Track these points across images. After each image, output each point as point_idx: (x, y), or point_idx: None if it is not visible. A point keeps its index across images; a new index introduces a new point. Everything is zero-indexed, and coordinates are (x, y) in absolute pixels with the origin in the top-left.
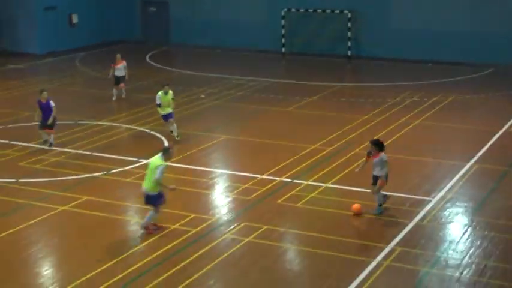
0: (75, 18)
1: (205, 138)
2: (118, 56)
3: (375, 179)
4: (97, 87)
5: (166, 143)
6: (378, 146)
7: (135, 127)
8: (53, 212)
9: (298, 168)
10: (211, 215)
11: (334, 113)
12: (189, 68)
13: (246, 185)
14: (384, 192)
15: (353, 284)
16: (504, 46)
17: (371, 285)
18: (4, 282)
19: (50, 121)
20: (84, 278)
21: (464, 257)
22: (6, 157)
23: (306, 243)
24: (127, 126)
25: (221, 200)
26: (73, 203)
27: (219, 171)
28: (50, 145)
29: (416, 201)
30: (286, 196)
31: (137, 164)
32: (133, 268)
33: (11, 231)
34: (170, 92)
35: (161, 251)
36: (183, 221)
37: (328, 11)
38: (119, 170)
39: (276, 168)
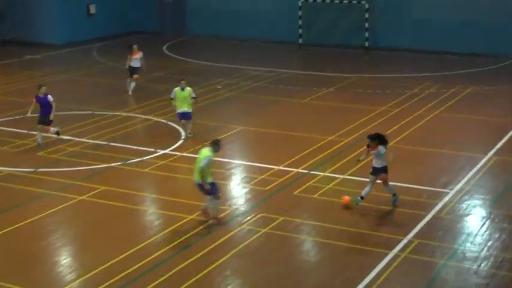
0: (92, 9)
1: (222, 129)
2: (135, 46)
3: (375, 169)
4: (114, 78)
5: (183, 134)
6: (374, 139)
7: (152, 118)
8: (71, 202)
9: (315, 159)
10: (227, 206)
11: (351, 104)
12: (205, 59)
13: (263, 176)
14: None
15: (370, 275)
16: None
17: (388, 277)
18: (23, 271)
19: (51, 116)
20: (102, 267)
21: (482, 249)
22: (24, 147)
23: (322, 234)
24: (144, 116)
25: (238, 190)
26: (91, 193)
27: (236, 162)
28: (39, 145)
29: (433, 194)
30: (302, 187)
31: (154, 155)
32: (150, 258)
33: (30, 220)
34: (188, 88)
35: (178, 241)
36: (199, 212)
37: (345, 1)
38: (136, 160)
39: (293, 159)
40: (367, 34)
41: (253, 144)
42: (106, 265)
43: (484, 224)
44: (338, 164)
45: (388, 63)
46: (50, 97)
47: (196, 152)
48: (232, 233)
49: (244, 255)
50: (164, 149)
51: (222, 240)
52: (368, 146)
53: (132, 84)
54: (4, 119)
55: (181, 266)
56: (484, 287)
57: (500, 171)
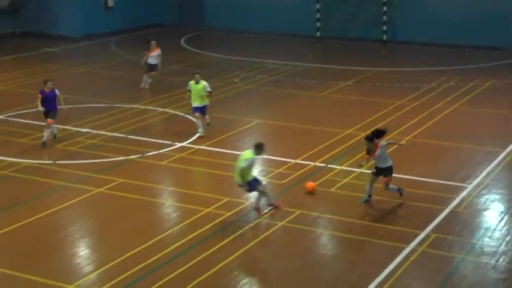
0: (111, 2)
1: (239, 122)
2: (153, 43)
3: (378, 170)
4: (132, 71)
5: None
6: (371, 139)
7: (170, 110)
8: (88, 194)
9: (332, 153)
10: (244, 199)
11: (369, 98)
12: (223, 52)
13: (280, 170)
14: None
15: (387, 269)
16: None
17: (405, 271)
18: (41, 262)
19: (62, 104)
20: (119, 259)
21: (501, 244)
22: (43, 139)
23: (339, 228)
24: (161, 109)
25: None
26: (108, 185)
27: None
28: (43, 144)
29: (452, 188)
30: (320, 181)
31: (172, 148)
32: (167, 250)
33: (48, 212)
34: (203, 82)
35: (194, 234)
36: (217, 205)
37: None
38: (153, 153)
39: (310, 152)
40: (385, 27)
41: (270, 138)
42: (123, 257)
43: (502, 218)
44: (355, 158)
45: (406, 57)
46: (56, 91)
47: (213, 145)
48: (249, 226)
49: (261, 249)
50: (181, 142)
51: (239, 233)
52: (368, 152)
53: (149, 80)
54: (23, 112)
55: (198, 259)
56: (502, 281)
57: None
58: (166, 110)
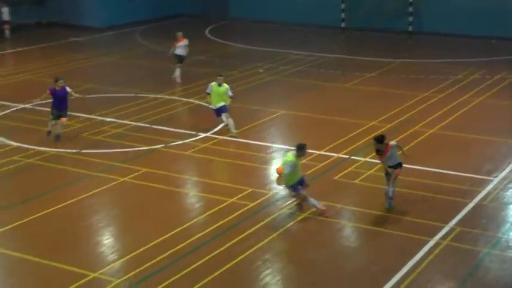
0: None
1: (263, 113)
2: (179, 33)
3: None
4: (156, 61)
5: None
6: (381, 141)
7: (194, 101)
8: (113, 183)
9: (356, 144)
10: (268, 190)
11: (394, 90)
12: (247, 43)
13: (304, 161)
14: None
15: (410, 262)
16: None
17: (429, 264)
18: (67, 250)
19: (77, 95)
20: (143, 248)
21: None
22: (69, 128)
23: (363, 220)
24: (185, 99)
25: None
26: (133, 175)
27: (276, 146)
28: (58, 137)
29: (477, 181)
30: (343, 172)
31: (195, 138)
32: (191, 240)
33: (73, 200)
34: (225, 85)
35: (218, 224)
36: (241, 195)
37: None
38: (177, 143)
39: (334, 144)
40: (410, 18)
41: (293, 129)
42: (147, 246)
43: None
44: None
45: (432, 48)
46: (68, 88)
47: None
48: (272, 217)
49: (284, 239)
50: (205, 132)
51: (262, 223)
52: (378, 153)
53: (178, 71)
54: (49, 101)
55: (221, 249)
56: None
57: None
58: (191, 100)
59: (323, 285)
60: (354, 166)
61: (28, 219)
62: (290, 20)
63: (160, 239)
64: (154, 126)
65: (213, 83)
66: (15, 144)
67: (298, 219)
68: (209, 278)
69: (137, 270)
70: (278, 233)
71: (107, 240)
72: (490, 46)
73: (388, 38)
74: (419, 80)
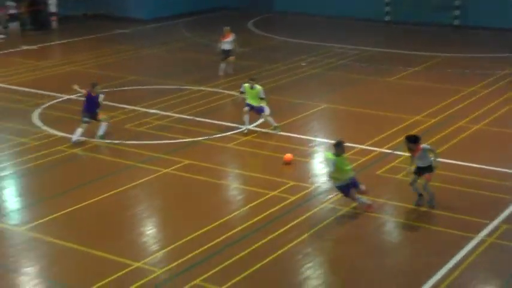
0: None
1: (305, 106)
2: (226, 28)
3: (419, 169)
4: (200, 53)
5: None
6: (413, 141)
7: (237, 93)
8: (156, 174)
9: (399, 139)
10: (310, 184)
11: (438, 84)
12: (290, 36)
13: (345, 155)
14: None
15: (454, 259)
16: None
17: (473, 262)
18: (110, 239)
19: (99, 107)
20: (185, 239)
21: None
22: (113, 119)
23: (405, 215)
24: (228, 92)
25: (320, 168)
26: (175, 166)
27: (319, 140)
28: (102, 137)
29: None
30: (386, 167)
31: (238, 130)
32: (232, 232)
33: (117, 190)
34: (258, 87)
35: (259, 217)
36: (282, 188)
37: None
38: (220, 135)
39: (376, 138)
40: (457, 12)
41: (336, 123)
42: (189, 237)
43: None
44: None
45: (478, 42)
46: (101, 96)
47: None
48: (313, 211)
49: (325, 233)
50: (247, 125)
51: (303, 217)
52: (409, 151)
53: (231, 66)
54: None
55: (262, 242)
56: None
57: None
58: (234, 92)
59: (364, 279)
60: (397, 161)
61: (72, 208)
62: (334, 13)
63: (201, 231)
64: (197, 118)
65: (246, 84)
66: (60, 134)
67: (340, 213)
68: (250, 270)
69: (179, 261)
70: (319, 227)
71: (150, 231)
72: None
73: (434, 31)
74: (465, 75)
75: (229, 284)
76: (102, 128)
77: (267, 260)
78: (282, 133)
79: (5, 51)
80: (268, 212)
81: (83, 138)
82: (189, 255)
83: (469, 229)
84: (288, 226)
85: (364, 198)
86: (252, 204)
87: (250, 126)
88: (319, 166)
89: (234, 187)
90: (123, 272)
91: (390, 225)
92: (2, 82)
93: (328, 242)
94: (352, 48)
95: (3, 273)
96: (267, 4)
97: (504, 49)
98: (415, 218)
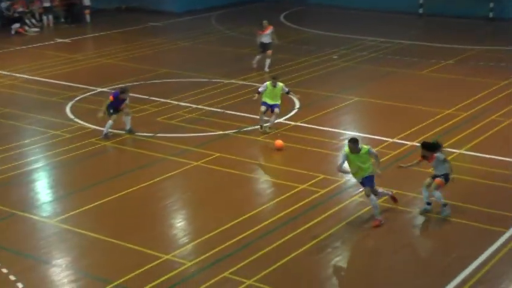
0: None
1: (337, 99)
2: (265, 22)
3: (435, 176)
4: (231, 46)
5: (297, 104)
6: (427, 148)
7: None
8: (186, 167)
9: (430, 133)
10: (340, 177)
11: (471, 78)
12: (322, 28)
13: (376, 148)
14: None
15: (484, 254)
16: None
17: (503, 257)
18: (140, 231)
19: (125, 108)
20: (215, 232)
21: None
22: (145, 112)
23: (436, 210)
24: (259, 85)
25: None
26: (206, 159)
27: (350, 133)
28: (131, 131)
29: None
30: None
31: (268, 124)
32: (261, 225)
33: (148, 183)
34: (280, 84)
35: (289, 210)
36: (312, 182)
37: None
38: (250, 128)
39: (408, 132)
40: (491, 4)
41: (367, 116)
42: (218, 230)
43: None
44: (454, 139)
45: None
46: (127, 101)
47: (310, 121)
48: (343, 205)
49: (354, 227)
50: (278, 118)
51: (333, 210)
52: (423, 157)
53: (268, 61)
54: (126, 84)
55: (292, 234)
56: None
57: None
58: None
59: (393, 273)
60: None
61: (103, 201)
62: (366, 6)
63: (230, 224)
64: (228, 111)
65: (268, 83)
66: (92, 127)
67: (369, 207)
68: (278, 264)
69: (208, 254)
70: (348, 220)
71: (180, 223)
72: None
73: (468, 24)
74: (499, 68)
75: (257, 277)
76: (127, 122)
77: (296, 253)
78: (313, 126)
79: (39, 44)
80: (297, 206)
81: (115, 131)
82: (218, 248)
83: (500, 223)
84: (317, 219)
85: (377, 211)
86: (281, 198)
87: (282, 119)
88: None
89: (263, 180)
90: (153, 264)
91: (420, 219)
92: (36, 75)
93: (358, 235)
94: (384, 41)
95: (35, 264)
96: None
97: None
98: None
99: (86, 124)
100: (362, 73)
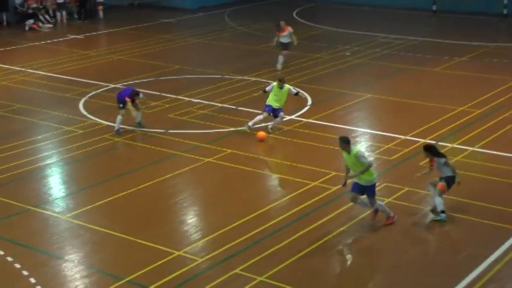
0: None
1: (349, 96)
2: (282, 23)
3: (446, 179)
4: (243, 42)
5: (309, 101)
6: (429, 151)
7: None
8: (198, 164)
9: (443, 130)
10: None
11: (485, 75)
12: (335, 25)
13: (389, 145)
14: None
15: (496, 252)
16: None
17: None
18: (152, 227)
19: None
20: (226, 228)
21: None
22: (156, 108)
23: (448, 207)
24: (271, 82)
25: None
26: (217, 156)
27: (362, 130)
28: (140, 124)
29: None
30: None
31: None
32: (273, 222)
33: (159, 179)
34: (287, 86)
35: (300, 207)
36: (324, 179)
37: None
38: (262, 125)
39: (420, 129)
40: (505, 1)
41: (379, 113)
42: (229, 227)
43: None
44: (468, 136)
45: None
46: (137, 102)
47: (322, 118)
48: None
49: (367, 224)
50: (290, 115)
51: (344, 208)
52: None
53: (281, 59)
54: (138, 81)
55: (303, 232)
56: None
57: None
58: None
59: (405, 271)
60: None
61: (115, 196)
62: (379, 3)
63: (242, 220)
64: (240, 108)
65: (275, 84)
66: (104, 123)
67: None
68: (289, 261)
69: (219, 250)
70: (360, 218)
71: (191, 220)
72: None
73: (481, 21)
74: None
75: (269, 273)
76: (138, 116)
77: (307, 250)
78: (325, 123)
79: (53, 41)
80: (309, 202)
81: (126, 127)
82: (230, 245)
83: None
84: (329, 216)
85: (386, 210)
86: (293, 195)
87: (294, 116)
88: None
89: (275, 177)
90: (164, 260)
91: (431, 217)
92: (49, 71)
93: (370, 232)
94: (397, 37)
95: (48, 260)
96: None
97: None
98: (457, 210)
99: (99, 120)
100: (374, 70)
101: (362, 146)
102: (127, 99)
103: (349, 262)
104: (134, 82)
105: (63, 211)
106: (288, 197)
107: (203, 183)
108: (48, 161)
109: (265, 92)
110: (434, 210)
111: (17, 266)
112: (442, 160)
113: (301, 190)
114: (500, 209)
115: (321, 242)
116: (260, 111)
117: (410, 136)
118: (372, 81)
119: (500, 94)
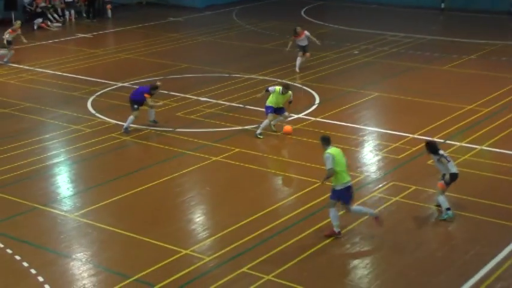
0: None
1: (357, 94)
2: (298, 28)
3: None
4: (251, 41)
5: (317, 99)
6: (425, 148)
7: (288, 82)
8: (205, 162)
9: (451, 128)
10: (359, 173)
11: (494, 73)
12: (343, 24)
13: (396, 144)
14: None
15: (504, 251)
16: None
17: None
18: (160, 226)
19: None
20: (233, 227)
21: None
22: (165, 107)
23: (456, 206)
24: (279, 80)
25: (370, 157)
26: (225, 154)
27: (370, 128)
28: (155, 122)
29: None
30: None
31: (288, 119)
32: (280, 220)
33: (167, 178)
34: (290, 92)
35: (308, 205)
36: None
37: None
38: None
39: (428, 128)
40: None
41: (387, 111)
42: (237, 225)
43: None
44: (476, 135)
45: None
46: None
47: (330, 117)
48: (362, 200)
49: (373, 223)
50: (298, 114)
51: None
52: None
53: (298, 60)
54: (146, 80)
55: (311, 230)
56: None
57: None
58: (284, 81)
59: (411, 270)
60: (449, 151)
61: (122, 195)
62: (387, 1)
63: (249, 219)
64: (248, 107)
65: (278, 88)
66: (113, 121)
67: (389, 203)
68: (297, 259)
69: (227, 249)
70: (368, 216)
71: (198, 218)
72: None
73: (490, 19)
74: None
75: (276, 272)
76: (152, 114)
77: (315, 248)
78: (332, 121)
79: (61, 39)
80: (316, 201)
81: (135, 126)
82: (237, 243)
83: None
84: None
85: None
86: (300, 193)
87: (301, 115)
88: (369, 155)
89: (282, 176)
90: (172, 258)
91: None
92: (58, 70)
93: (377, 231)
94: (406, 36)
95: (55, 258)
96: None
97: None
98: (465, 209)
99: (107, 119)
100: (383, 68)
101: (369, 144)
102: (146, 95)
103: (355, 261)
104: (142, 81)
105: (71, 210)
106: (294, 196)
107: (210, 181)
108: (56, 160)
109: (267, 91)
110: (439, 206)
111: (25, 264)
112: (436, 157)
113: (309, 189)
114: (508, 208)
115: (328, 241)
116: None
117: (418, 135)
118: (380, 79)
119: (509, 92)
